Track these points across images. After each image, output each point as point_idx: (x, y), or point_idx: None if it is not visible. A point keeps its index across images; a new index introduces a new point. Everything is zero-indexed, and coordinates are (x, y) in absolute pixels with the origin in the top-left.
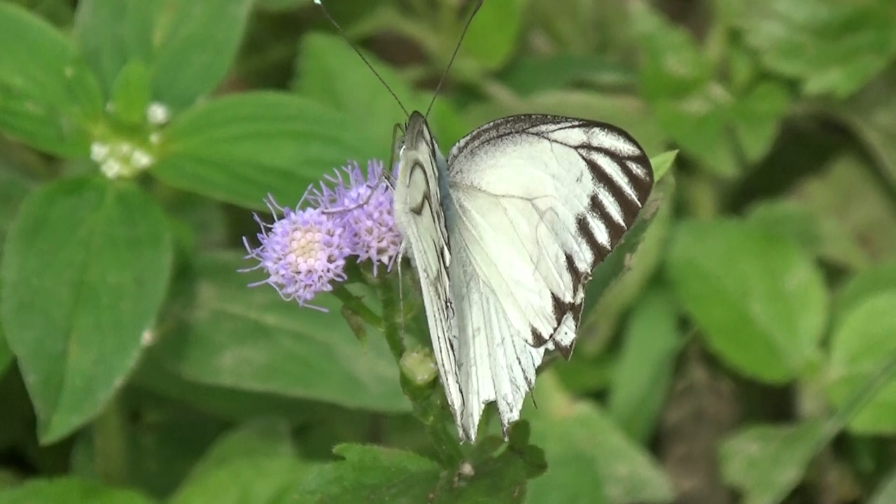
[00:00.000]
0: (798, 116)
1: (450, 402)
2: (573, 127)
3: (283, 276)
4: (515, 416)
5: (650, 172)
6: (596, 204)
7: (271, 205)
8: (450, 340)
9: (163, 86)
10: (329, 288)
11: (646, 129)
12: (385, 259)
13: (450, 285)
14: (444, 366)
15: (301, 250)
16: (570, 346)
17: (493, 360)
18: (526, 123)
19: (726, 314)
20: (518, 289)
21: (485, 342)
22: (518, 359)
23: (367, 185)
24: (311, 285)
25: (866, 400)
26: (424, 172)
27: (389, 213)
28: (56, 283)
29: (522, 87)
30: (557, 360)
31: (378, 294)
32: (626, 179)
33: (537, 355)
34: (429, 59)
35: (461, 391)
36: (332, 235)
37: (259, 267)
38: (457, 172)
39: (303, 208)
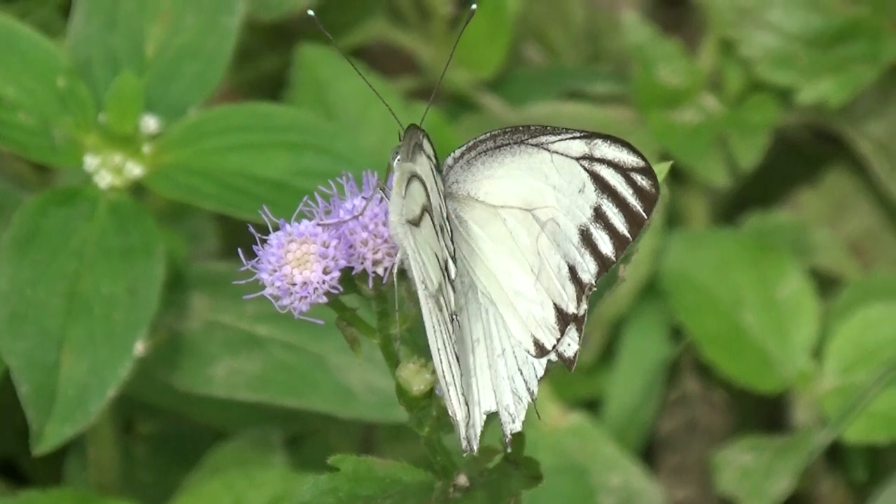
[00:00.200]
0: (790, 126)
1: (451, 413)
2: (574, 138)
3: (278, 287)
4: (518, 426)
5: (656, 184)
6: (599, 215)
7: (266, 216)
8: (455, 351)
9: (155, 96)
10: (324, 300)
11: (638, 139)
12: (380, 270)
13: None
14: (444, 377)
15: (296, 262)
16: (574, 357)
17: (494, 370)
18: (525, 135)
19: (719, 324)
20: (519, 299)
21: (485, 353)
22: (520, 369)
23: (362, 197)
24: (306, 297)
25: (859, 410)
26: (424, 185)
27: (384, 224)
28: (49, 294)
29: (515, 97)
30: (550, 371)
31: (373, 305)
32: (630, 191)
33: (539, 366)
34: (421, 70)
35: (466, 402)
36: (327, 247)
37: (254, 279)
38: (452, 183)
39: (298, 220)
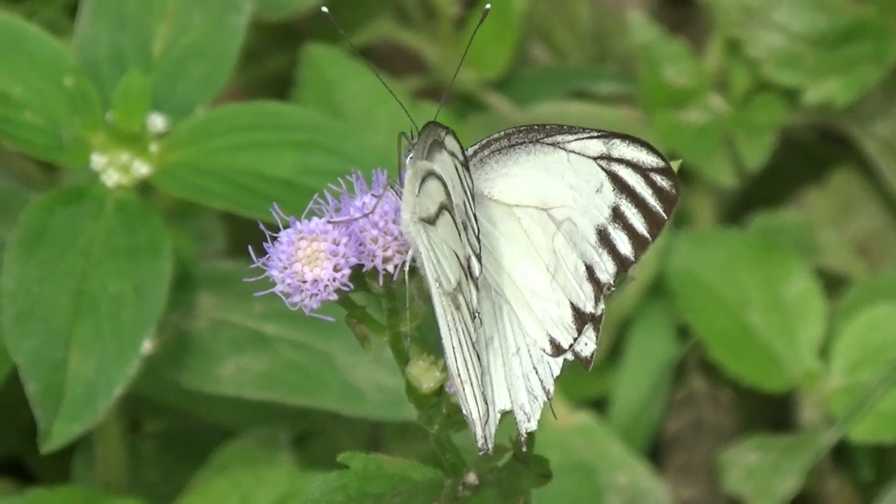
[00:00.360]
0: (797, 126)
1: (465, 412)
2: (592, 138)
3: (289, 284)
4: (533, 425)
5: (676, 184)
6: (618, 215)
7: (277, 214)
8: (475, 349)
9: (162, 95)
10: (335, 297)
11: (645, 139)
12: (390, 268)
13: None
14: (459, 375)
15: (307, 259)
16: (591, 356)
17: (508, 369)
18: (540, 133)
19: (726, 324)
20: (534, 298)
21: (499, 351)
22: (535, 368)
23: (372, 194)
24: (317, 294)
25: (866, 409)
26: (443, 183)
27: (394, 222)
28: (56, 292)
29: (521, 97)
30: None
31: (383, 303)
32: (650, 191)
33: (556, 365)
34: (427, 70)
35: (485, 400)
36: (337, 245)
37: (263, 276)
38: None
39: (308, 217)
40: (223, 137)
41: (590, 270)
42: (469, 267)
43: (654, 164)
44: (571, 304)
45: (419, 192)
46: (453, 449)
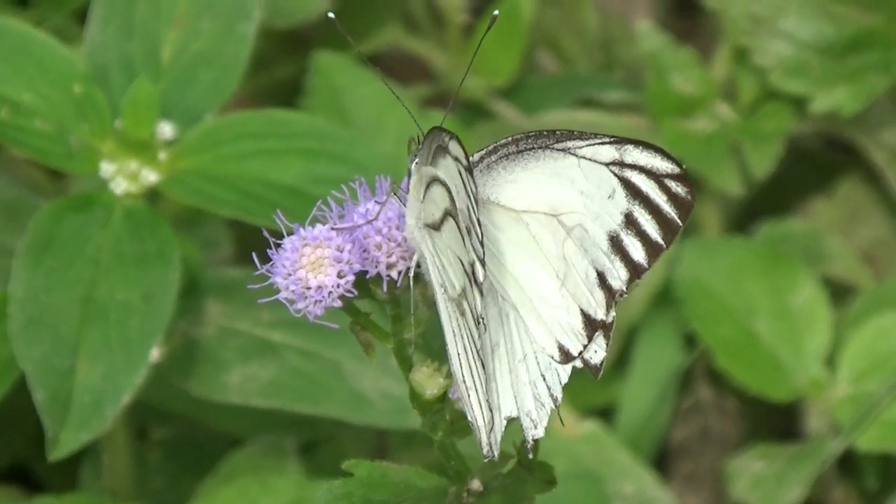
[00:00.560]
0: (804, 135)
1: (470, 418)
2: (604, 143)
3: (293, 291)
4: (540, 432)
5: (691, 190)
6: (631, 221)
7: (281, 221)
8: (479, 355)
9: (171, 103)
10: (339, 304)
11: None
12: (394, 274)
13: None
14: (465, 381)
15: (311, 266)
16: (601, 364)
17: (515, 376)
18: (550, 139)
19: (732, 332)
20: (543, 305)
21: (505, 358)
22: (542, 375)
23: (376, 201)
24: (321, 301)
25: (872, 419)
26: (448, 189)
27: (398, 228)
28: (64, 300)
29: (528, 105)
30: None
31: (387, 310)
32: (664, 198)
33: (564, 372)
34: (435, 77)
35: (490, 407)
36: (341, 251)
37: (268, 283)
38: None
39: (312, 224)
40: (231, 145)
41: (601, 277)
42: (473, 272)
43: (669, 170)
44: (582, 310)
45: (424, 197)
46: (457, 456)
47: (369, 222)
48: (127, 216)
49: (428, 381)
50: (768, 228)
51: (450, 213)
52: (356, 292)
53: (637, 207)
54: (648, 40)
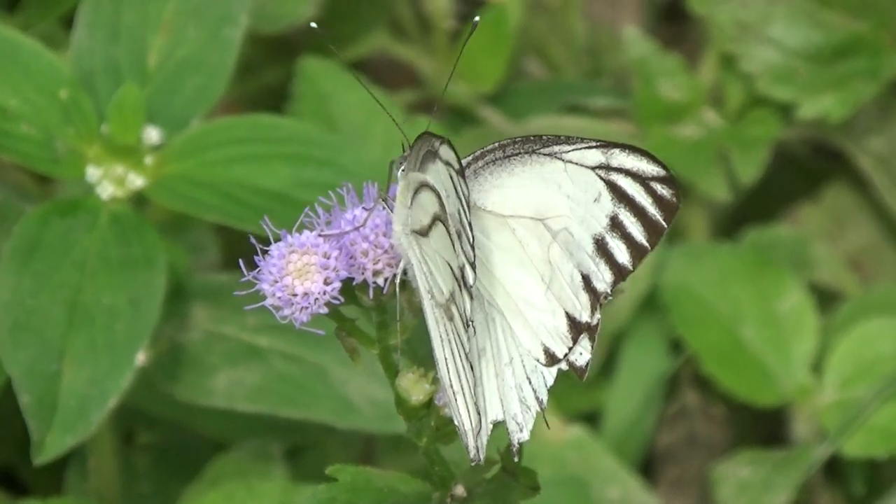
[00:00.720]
0: (791, 141)
1: (457, 423)
2: (590, 148)
3: (279, 298)
4: (526, 436)
5: (676, 193)
6: (616, 224)
7: (268, 227)
8: (468, 359)
9: (157, 108)
10: (325, 310)
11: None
12: (381, 281)
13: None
14: (452, 386)
15: (297, 273)
16: (586, 366)
17: (501, 379)
18: (537, 144)
19: (719, 338)
20: (528, 308)
21: (491, 362)
22: (528, 378)
23: (363, 208)
24: (307, 308)
25: (858, 424)
26: (437, 194)
27: (385, 235)
28: (50, 304)
29: (515, 111)
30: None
31: (372, 316)
32: (650, 200)
33: (549, 375)
34: (422, 83)
35: (478, 410)
36: (328, 258)
37: (255, 290)
38: None
39: (299, 231)
40: (218, 150)
41: (586, 280)
42: (463, 276)
43: (655, 173)
44: (567, 313)
45: (412, 203)
46: (442, 461)
47: (356, 229)
48: (113, 221)
49: (414, 387)
50: (755, 234)
51: (439, 218)
52: (342, 299)
53: (622, 210)
54: (635, 47)
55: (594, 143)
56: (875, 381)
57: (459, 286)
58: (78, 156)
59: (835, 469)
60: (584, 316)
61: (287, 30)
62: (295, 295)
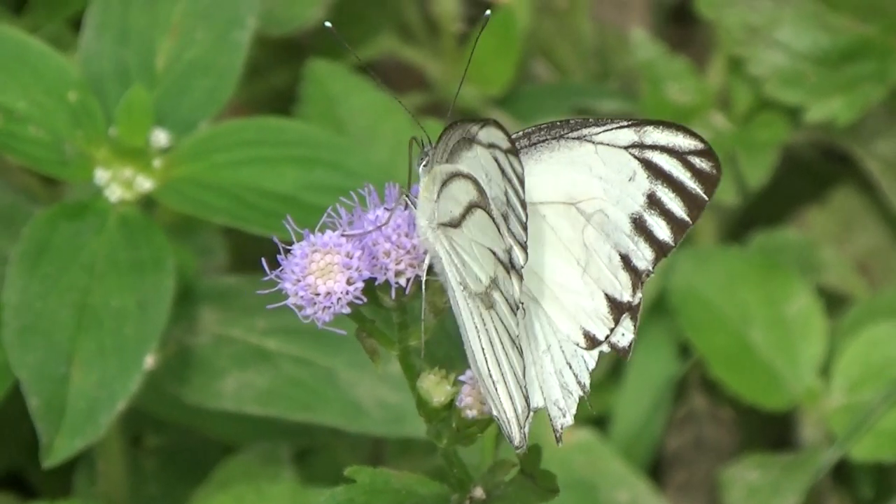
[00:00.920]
0: (799, 145)
1: (496, 413)
2: (622, 127)
3: (301, 297)
4: (570, 420)
5: (717, 165)
6: (654, 202)
7: (290, 227)
8: (517, 343)
9: (166, 110)
10: (347, 310)
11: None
12: (402, 281)
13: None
14: (491, 376)
15: (320, 272)
16: (629, 347)
17: (540, 367)
18: (564, 129)
19: (726, 341)
20: (565, 293)
21: (527, 350)
22: (568, 363)
23: (385, 208)
24: (329, 307)
25: (866, 428)
26: (473, 181)
27: (407, 235)
28: (59, 307)
29: (523, 114)
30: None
31: (393, 317)
32: (688, 174)
33: (590, 359)
34: (430, 86)
35: (525, 395)
36: (351, 258)
37: (273, 290)
38: None
39: (321, 231)
40: (226, 153)
41: (625, 259)
42: (511, 259)
43: (692, 147)
44: (606, 295)
45: (438, 196)
46: (460, 464)
47: (378, 228)
48: (121, 223)
49: (435, 389)
50: (763, 238)
51: (477, 205)
52: (365, 299)
53: (660, 187)
54: (643, 50)
55: (625, 123)
56: (883, 384)
57: (507, 269)
58: (86, 158)
59: (843, 473)
60: (626, 295)
61: (295, 32)
62: (318, 294)
